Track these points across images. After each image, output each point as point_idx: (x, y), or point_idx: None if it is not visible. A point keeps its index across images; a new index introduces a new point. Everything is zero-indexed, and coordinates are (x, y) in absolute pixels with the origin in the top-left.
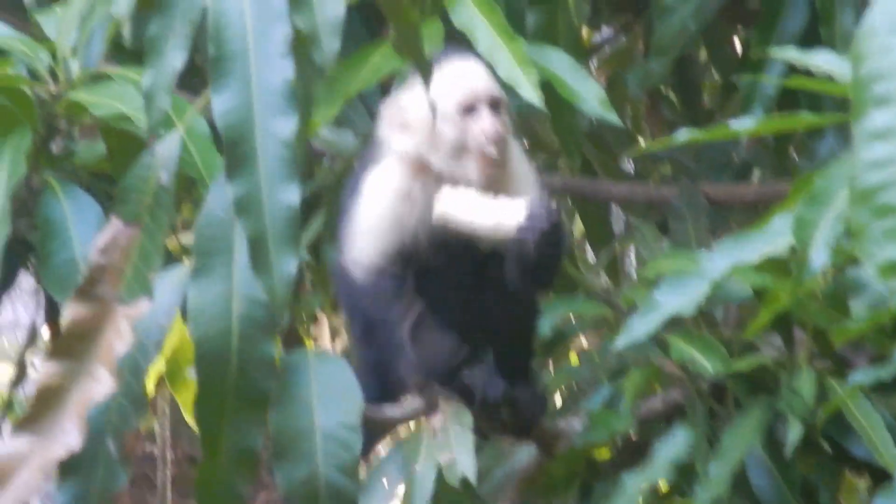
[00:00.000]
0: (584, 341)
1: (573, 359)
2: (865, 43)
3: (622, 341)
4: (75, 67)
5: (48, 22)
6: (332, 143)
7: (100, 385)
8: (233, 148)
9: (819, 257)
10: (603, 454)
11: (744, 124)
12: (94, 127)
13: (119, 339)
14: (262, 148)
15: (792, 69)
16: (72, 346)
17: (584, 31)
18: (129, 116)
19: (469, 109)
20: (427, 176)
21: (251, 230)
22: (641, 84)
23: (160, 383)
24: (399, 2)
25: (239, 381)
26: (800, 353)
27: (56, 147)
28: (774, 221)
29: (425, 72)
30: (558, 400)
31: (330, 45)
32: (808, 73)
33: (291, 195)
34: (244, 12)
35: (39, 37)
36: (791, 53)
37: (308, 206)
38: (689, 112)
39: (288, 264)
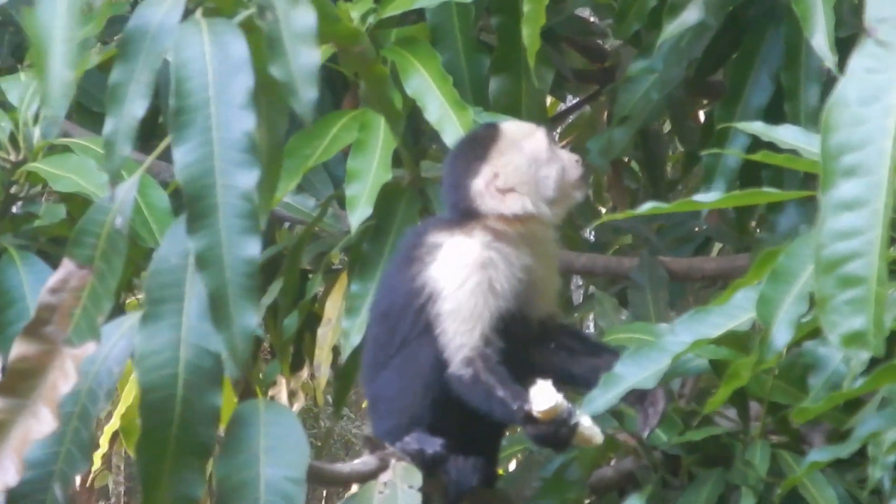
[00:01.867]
0: None
1: None
2: (836, 114)
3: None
4: (37, 135)
5: (12, 89)
6: (294, 208)
7: (41, 424)
8: (194, 201)
9: (782, 336)
10: None
11: (707, 198)
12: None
13: (64, 379)
14: (222, 201)
15: (755, 143)
16: (16, 383)
17: (549, 101)
18: (88, 193)
19: (553, 148)
20: (521, 237)
21: (211, 284)
22: (604, 154)
23: (114, 439)
24: (367, 60)
25: (181, 430)
26: (754, 425)
27: (17, 209)
28: (737, 297)
29: (395, 123)
30: (514, 466)
31: (307, 93)
32: (771, 148)
33: (252, 249)
34: (206, 63)
35: (3, 103)
36: (757, 127)
37: (268, 271)
38: (652, 182)
39: (248, 318)
